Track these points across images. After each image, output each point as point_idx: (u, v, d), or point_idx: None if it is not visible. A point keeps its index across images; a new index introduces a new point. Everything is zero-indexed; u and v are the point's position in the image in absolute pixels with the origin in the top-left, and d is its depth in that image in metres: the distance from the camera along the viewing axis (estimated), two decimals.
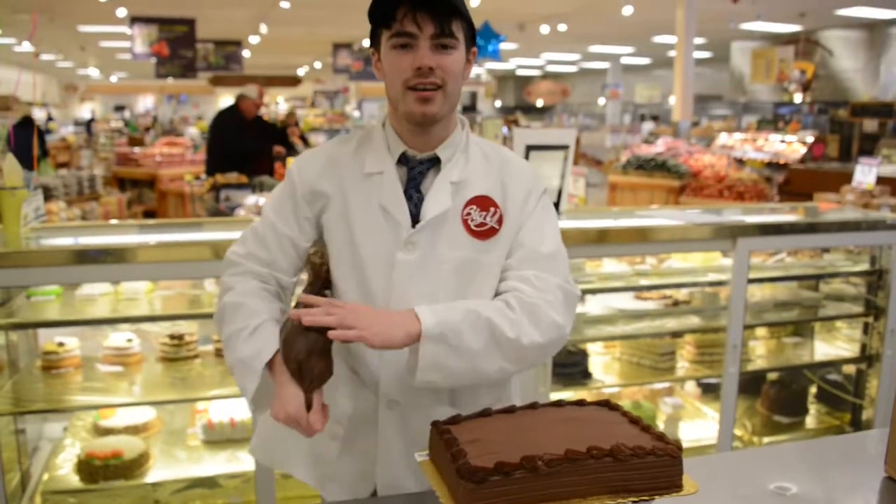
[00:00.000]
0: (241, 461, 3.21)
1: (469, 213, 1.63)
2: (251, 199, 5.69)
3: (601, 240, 3.24)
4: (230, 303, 1.61)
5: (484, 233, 1.63)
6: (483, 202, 1.64)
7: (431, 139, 1.64)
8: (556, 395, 3.29)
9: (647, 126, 18.02)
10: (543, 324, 1.55)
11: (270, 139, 7.99)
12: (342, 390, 1.69)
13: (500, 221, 1.65)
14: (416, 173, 1.65)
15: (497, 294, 1.64)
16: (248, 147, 7.46)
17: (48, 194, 7.49)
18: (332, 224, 1.66)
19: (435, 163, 1.66)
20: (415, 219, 1.61)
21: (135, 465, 3.08)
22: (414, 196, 1.63)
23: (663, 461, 1.30)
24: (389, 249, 1.61)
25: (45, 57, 22.61)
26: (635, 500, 1.28)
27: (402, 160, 1.65)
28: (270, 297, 1.66)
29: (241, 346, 1.55)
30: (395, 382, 1.62)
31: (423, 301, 1.57)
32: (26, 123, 11.98)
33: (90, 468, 3.03)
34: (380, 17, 1.56)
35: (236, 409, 3.37)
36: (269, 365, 1.53)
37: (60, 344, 3.19)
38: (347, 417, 1.68)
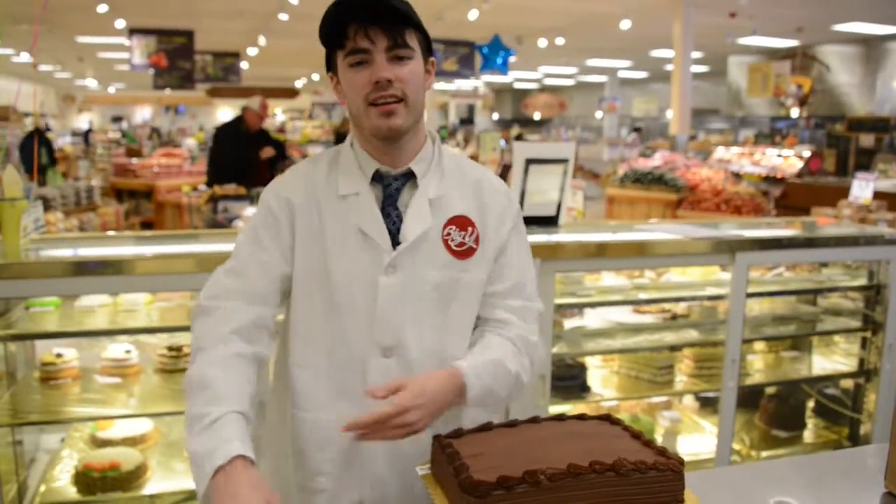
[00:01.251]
0: None
1: (449, 234, 1.63)
2: (249, 210, 5.69)
3: (600, 253, 3.24)
4: (195, 377, 1.47)
5: (463, 252, 1.64)
6: (461, 222, 1.65)
7: (403, 154, 1.63)
8: (554, 409, 3.29)
9: (632, 135, 18.11)
10: (534, 355, 1.70)
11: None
12: (322, 442, 1.64)
13: (477, 241, 1.66)
14: (392, 190, 1.64)
15: (484, 319, 1.71)
16: (250, 158, 7.46)
17: (46, 205, 7.49)
18: (304, 244, 1.63)
19: (410, 177, 1.65)
20: (393, 237, 1.60)
21: (132, 477, 3.07)
22: (392, 214, 1.62)
23: (665, 476, 1.30)
24: (369, 272, 1.59)
25: (43, 67, 22.64)
26: None
27: (376, 178, 1.64)
28: (244, 364, 1.52)
29: (197, 436, 1.37)
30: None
31: (408, 323, 1.59)
32: (34, 134, 12.13)
33: (88, 480, 3.02)
34: (332, 39, 1.55)
35: None
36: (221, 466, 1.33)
37: (58, 355, 3.18)
38: (330, 462, 1.64)
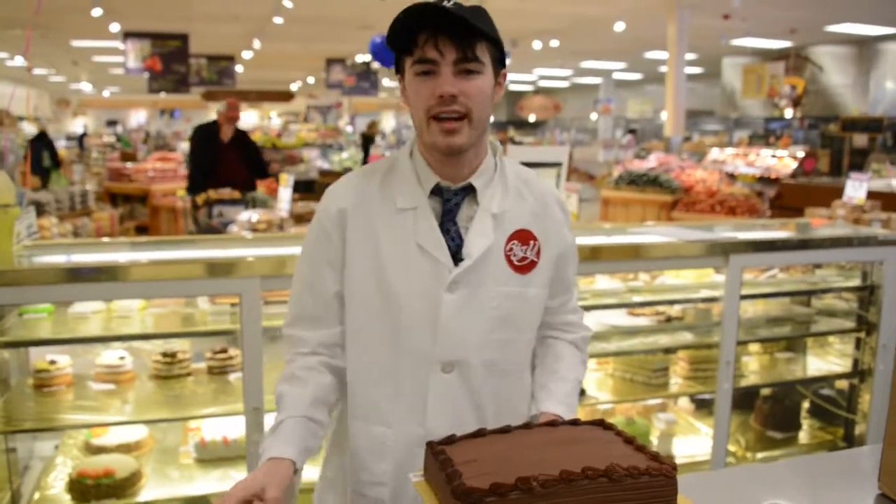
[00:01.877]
0: (234, 480, 3.18)
1: (511, 249, 1.61)
2: (244, 214, 5.67)
3: (594, 257, 3.24)
4: (277, 392, 1.61)
5: (525, 267, 1.63)
6: (524, 236, 1.63)
7: (464, 168, 1.60)
8: None
9: (626, 137, 18.14)
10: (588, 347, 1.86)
11: (244, 156, 7.42)
12: (379, 453, 1.64)
13: (538, 254, 1.64)
14: (451, 205, 1.60)
15: (548, 323, 1.78)
16: (225, 161, 7.14)
17: (40, 210, 7.47)
18: (357, 255, 1.61)
19: (470, 191, 1.62)
20: (453, 253, 1.58)
21: (127, 484, 3.06)
22: (451, 229, 1.59)
23: (658, 481, 1.29)
24: (430, 288, 1.57)
25: (37, 71, 22.64)
26: None
27: (435, 191, 1.61)
28: (308, 373, 1.61)
29: (266, 436, 1.53)
30: (439, 423, 1.59)
31: (470, 340, 1.59)
32: (40, 138, 12.24)
33: (82, 487, 3.01)
34: (401, 44, 1.52)
35: (229, 428, 3.36)
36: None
37: (52, 362, 3.17)
38: (390, 474, 1.63)
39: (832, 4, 11.93)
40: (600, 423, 1.51)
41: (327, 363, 1.64)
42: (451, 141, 1.52)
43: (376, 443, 1.63)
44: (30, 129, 14.22)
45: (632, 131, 22.09)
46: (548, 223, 1.68)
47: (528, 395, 1.75)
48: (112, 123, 31.12)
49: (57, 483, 3.16)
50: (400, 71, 1.59)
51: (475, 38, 1.49)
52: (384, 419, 1.62)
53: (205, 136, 7.34)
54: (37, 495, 3.10)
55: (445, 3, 1.46)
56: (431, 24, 1.47)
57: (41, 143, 13.65)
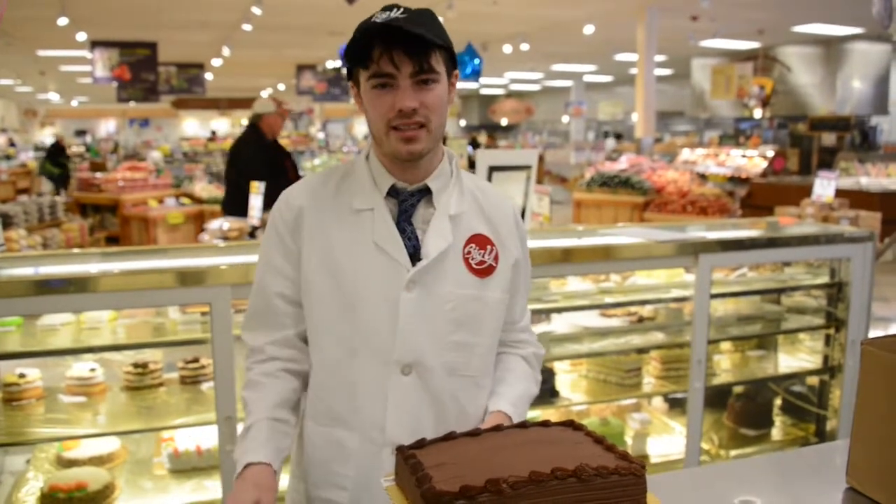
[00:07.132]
0: (208, 490, 3.17)
1: (469, 252, 1.63)
2: (215, 223, 5.62)
3: (566, 259, 3.25)
4: (242, 400, 1.65)
5: (483, 270, 1.64)
6: (481, 241, 1.65)
7: (420, 171, 1.62)
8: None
9: (610, 143, 18.22)
10: (539, 366, 1.87)
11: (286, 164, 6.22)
12: (339, 457, 1.64)
13: (496, 259, 1.66)
14: (407, 206, 1.62)
15: (500, 340, 1.76)
16: (276, 170, 5.92)
17: (8, 221, 7.39)
18: (315, 258, 1.62)
19: (425, 193, 1.64)
20: (410, 254, 1.59)
21: (100, 497, 3.03)
22: (407, 229, 1.61)
23: (627, 480, 1.30)
24: (389, 288, 1.58)
25: (3, 82, 22.39)
26: None
27: (391, 193, 1.62)
28: (271, 379, 1.64)
29: (238, 443, 1.57)
30: (399, 427, 1.60)
31: (428, 341, 1.59)
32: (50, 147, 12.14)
33: (54, 501, 2.97)
34: (356, 58, 1.53)
35: (202, 437, 3.34)
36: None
37: (21, 375, 3.13)
38: (352, 478, 1.63)
39: (799, 5, 12.07)
40: (570, 424, 1.52)
41: (285, 367, 1.66)
42: (411, 148, 1.54)
43: (337, 446, 1.63)
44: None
45: (618, 136, 22.17)
46: (504, 233, 1.70)
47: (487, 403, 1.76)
48: (81, 133, 30.82)
49: (29, 498, 3.11)
50: (352, 79, 1.60)
51: (430, 50, 1.51)
52: (345, 422, 1.63)
53: (263, 147, 6.07)
54: None
55: (397, 14, 1.48)
56: (387, 38, 1.48)
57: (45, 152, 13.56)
